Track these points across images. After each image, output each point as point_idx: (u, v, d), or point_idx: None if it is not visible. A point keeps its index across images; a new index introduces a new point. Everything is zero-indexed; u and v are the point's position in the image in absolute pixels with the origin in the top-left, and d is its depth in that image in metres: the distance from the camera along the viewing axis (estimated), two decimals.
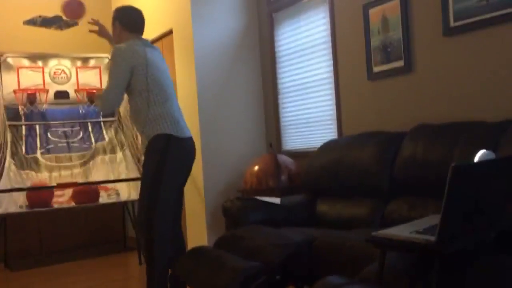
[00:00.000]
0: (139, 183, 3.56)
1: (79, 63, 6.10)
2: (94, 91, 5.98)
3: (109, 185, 5.55)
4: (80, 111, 6.37)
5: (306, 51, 4.48)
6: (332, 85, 4.20)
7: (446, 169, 1.74)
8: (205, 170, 4.62)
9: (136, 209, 4.15)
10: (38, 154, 5.99)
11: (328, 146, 3.83)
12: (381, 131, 3.59)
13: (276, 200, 3.60)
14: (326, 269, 2.58)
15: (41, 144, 6.05)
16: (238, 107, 4.86)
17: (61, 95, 6.15)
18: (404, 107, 3.62)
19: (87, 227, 5.87)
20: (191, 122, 4.74)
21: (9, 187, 5.56)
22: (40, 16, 5.77)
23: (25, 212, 5.56)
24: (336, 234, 2.89)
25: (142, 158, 3.37)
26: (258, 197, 3.66)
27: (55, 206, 5.61)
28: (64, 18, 5.68)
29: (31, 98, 6.05)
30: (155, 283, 3.18)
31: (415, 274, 2.01)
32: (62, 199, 5.69)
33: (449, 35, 3.28)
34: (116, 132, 6.02)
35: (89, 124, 6.40)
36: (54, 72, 6.25)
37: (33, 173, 5.89)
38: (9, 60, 6.02)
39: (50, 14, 5.82)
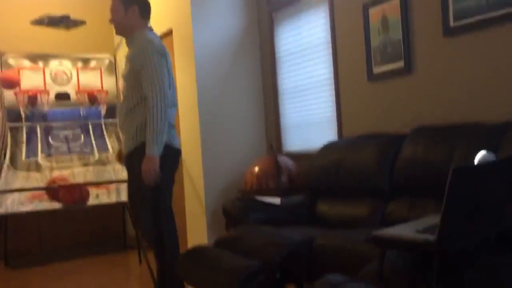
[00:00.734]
0: None
1: (80, 64, 6.09)
2: (95, 92, 5.97)
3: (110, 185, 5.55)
4: (81, 113, 6.38)
5: (306, 51, 4.49)
6: (332, 86, 4.20)
7: (446, 170, 1.75)
8: (205, 170, 4.62)
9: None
10: (39, 158, 5.99)
11: (328, 148, 3.84)
12: (381, 133, 3.59)
13: (276, 201, 3.60)
14: (326, 269, 2.58)
15: (42, 149, 6.04)
16: (238, 107, 4.87)
17: (62, 96, 6.15)
18: (404, 108, 3.62)
19: (87, 226, 5.87)
20: (191, 123, 4.75)
21: (9, 187, 5.57)
22: (47, 16, 5.77)
23: (25, 211, 5.57)
24: (336, 234, 2.89)
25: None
26: (258, 198, 3.66)
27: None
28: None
29: (32, 99, 6.05)
30: (169, 280, 3.23)
31: (415, 274, 2.01)
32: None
33: (449, 35, 3.28)
34: (117, 133, 6.02)
35: (90, 125, 6.40)
36: (55, 73, 6.26)
37: (34, 173, 5.90)
38: (10, 60, 6.02)
39: (51, 13, 5.82)
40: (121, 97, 3.25)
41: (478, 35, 3.13)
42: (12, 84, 5.79)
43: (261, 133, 5.01)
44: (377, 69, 3.78)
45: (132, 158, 3.19)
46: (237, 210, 3.48)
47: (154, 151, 3.00)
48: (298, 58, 4.57)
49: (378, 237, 2.07)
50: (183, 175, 4.95)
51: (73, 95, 6.12)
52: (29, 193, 5.73)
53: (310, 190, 3.83)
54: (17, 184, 5.66)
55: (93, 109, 6.09)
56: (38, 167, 5.96)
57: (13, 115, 5.99)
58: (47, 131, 6.15)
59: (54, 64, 6.25)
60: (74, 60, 6.27)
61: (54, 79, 6.27)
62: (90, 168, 5.98)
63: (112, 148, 5.92)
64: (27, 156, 5.93)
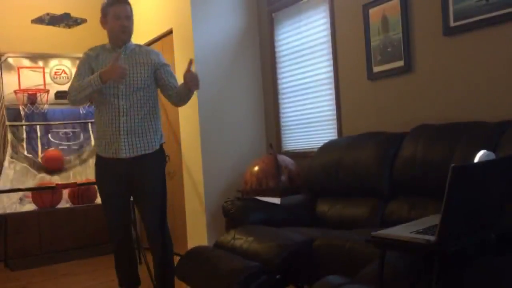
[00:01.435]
0: None
1: None
2: None
3: None
4: (81, 111, 6.38)
5: (306, 51, 4.48)
6: (332, 85, 4.20)
7: (446, 169, 1.74)
8: (205, 170, 4.62)
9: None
10: (39, 157, 6.00)
11: (328, 147, 3.83)
12: (381, 132, 3.59)
13: (276, 200, 3.60)
14: (326, 269, 2.58)
15: (41, 147, 6.05)
16: (238, 107, 4.86)
17: (62, 95, 6.15)
18: (404, 107, 3.62)
19: (87, 227, 5.86)
20: (191, 122, 4.75)
21: (9, 187, 5.58)
22: (48, 14, 5.76)
23: (26, 212, 5.57)
24: (336, 234, 2.89)
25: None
26: (258, 197, 3.66)
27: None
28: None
29: (32, 98, 6.05)
30: (172, 273, 3.35)
31: (415, 274, 2.01)
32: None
33: (449, 35, 3.28)
34: None
35: (89, 124, 6.41)
36: (55, 72, 6.27)
37: (34, 171, 5.91)
38: (10, 60, 6.03)
39: (52, 12, 5.81)
40: (118, 98, 3.18)
41: (478, 35, 3.13)
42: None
43: (261, 132, 5.01)
44: (377, 68, 3.77)
45: (150, 159, 3.30)
46: (237, 210, 3.48)
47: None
48: (298, 57, 4.57)
49: (378, 238, 2.06)
50: (183, 175, 4.94)
51: None
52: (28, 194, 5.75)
53: (310, 190, 3.83)
54: (16, 183, 5.68)
55: (93, 108, 6.11)
56: (37, 165, 5.97)
57: (13, 114, 6.00)
58: (46, 130, 6.16)
59: (53, 63, 6.26)
60: (73, 59, 6.28)
61: (54, 78, 6.28)
62: (90, 165, 5.99)
63: None
64: (28, 152, 5.94)
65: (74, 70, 6.06)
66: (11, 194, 5.62)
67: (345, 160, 3.52)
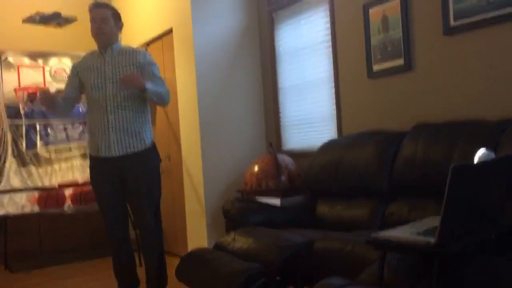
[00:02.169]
0: None
1: None
2: None
3: None
4: (81, 110, 6.37)
5: (306, 50, 4.47)
6: (332, 85, 4.19)
7: (446, 169, 1.74)
8: (205, 170, 4.61)
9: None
10: (38, 148, 5.99)
11: (328, 146, 3.83)
12: (381, 130, 3.58)
13: (276, 202, 3.59)
14: (326, 271, 2.57)
15: (41, 138, 6.04)
16: (238, 106, 4.86)
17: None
18: (404, 106, 3.61)
19: (87, 228, 5.86)
20: (191, 122, 4.74)
21: (9, 187, 5.57)
22: (38, 13, 5.75)
23: (26, 214, 5.56)
24: (336, 236, 2.88)
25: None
26: (258, 198, 3.65)
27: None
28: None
29: (32, 96, 6.04)
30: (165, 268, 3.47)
31: (415, 276, 2.00)
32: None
33: (449, 34, 3.27)
34: None
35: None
36: (55, 71, 6.25)
37: (34, 168, 5.90)
38: (10, 58, 6.01)
39: (50, 11, 5.80)
40: (106, 98, 3.28)
41: (478, 34, 3.12)
42: None
43: (261, 132, 5.00)
44: (377, 67, 3.77)
45: (142, 158, 3.33)
46: (237, 212, 3.47)
47: (148, 85, 3.21)
48: (298, 57, 4.56)
49: (378, 240, 2.06)
50: (183, 175, 4.94)
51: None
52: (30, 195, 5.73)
53: (310, 190, 3.82)
54: (16, 182, 5.66)
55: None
56: (38, 162, 5.95)
57: (13, 112, 5.99)
58: (46, 127, 6.15)
59: (53, 61, 6.24)
60: (73, 58, 6.26)
61: (54, 77, 6.27)
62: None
63: None
64: (27, 147, 5.93)
65: None
66: (13, 196, 5.61)
67: (345, 160, 3.51)
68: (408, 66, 3.54)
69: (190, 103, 4.74)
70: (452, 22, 3.22)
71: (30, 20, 5.83)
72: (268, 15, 4.84)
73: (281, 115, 4.83)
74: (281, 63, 4.78)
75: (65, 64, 6.24)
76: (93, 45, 3.45)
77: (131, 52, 3.39)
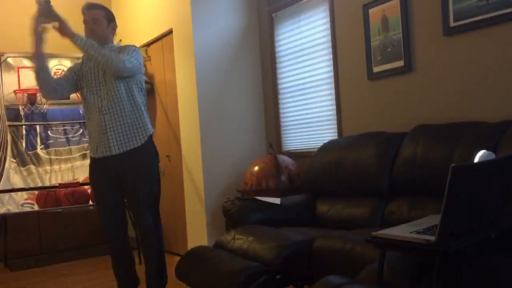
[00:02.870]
0: None
1: None
2: None
3: None
4: (81, 111, 6.37)
5: (306, 51, 4.48)
6: (332, 85, 4.20)
7: (446, 169, 1.74)
8: (205, 170, 4.62)
9: None
10: (38, 150, 6.00)
11: (328, 147, 3.83)
12: (381, 132, 3.59)
13: (276, 200, 3.60)
14: (326, 269, 2.58)
15: (41, 141, 6.06)
16: (238, 107, 4.86)
17: None
18: (404, 107, 3.62)
19: (86, 227, 5.87)
20: (191, 122, 4.75)
21: (9, 186, 5.58)
22: None
23: (25, 212, 5.57)
24: (336, 234, 2.88)
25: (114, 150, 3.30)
26: (258, 197, 3.66)
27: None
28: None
29: (32, 98, 6.05)
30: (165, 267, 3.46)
31: (415, 275, 2.00)
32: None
33: (449, 35, 3.28)
34: None
35: None
36: (55, 72, 6.25)
37: (34, 167, 5.91)
38: (10, 60, 6.02)
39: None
40: (101, 99, 3.29)
41: (478, 35, 3.13)
42: None
43: (261, 132, 5.01)
44: (377, 68, 3.77)
45: (141, 156, 3.33)
46: (237, 210, 3.47)
47: (78, 37, 3.14)
48: (298, 57, 4.57)
49: (378, 238, 2.06)
50: (183, 175, 4.94)
51: (72, 94, 6.12)
52: (30, 194, 5.75)
53: (310, 190, 3.82)
54: (16, 181, 5.67)
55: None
56: (39, 162, 5.96)
57: (13, 114, 6.00)
58: (46, 129, 6.16)
59: (53, 63, 6.25)
60: (73, 59, 6.26)
61: None
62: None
63: None
64: (27, 148, 5.94)
65: None
66: (14, 195, 5.62)
67: (345, 160, 3.52)
68: (408, 67, 3.55)
69: (190, 103, 4.74)
70: (452, 23, 3.23)
71: None
72: (268, 16, 4.85)
73: (281, 115, 4.84)
74: (281, 64, 4.79)
75: (65, 66, 6.24)
76: None
77: (119, 47, 3.39)
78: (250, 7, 4.96)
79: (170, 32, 5.06)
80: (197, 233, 4.73)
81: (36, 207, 5.64)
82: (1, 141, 5.84)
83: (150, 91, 5.54)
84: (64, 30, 3.13)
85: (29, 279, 4.68)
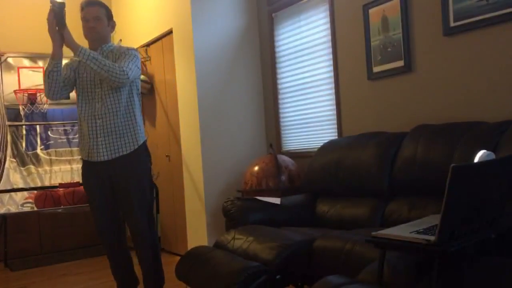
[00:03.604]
0: None
1: None
2: None
3: None
4: None
5: (306, 51, 4.48)
6: (332, 85, 4.20)
7: (446, 169, 1.74)
8: (205, 170, 4.62)
9: None
10: (38, 150, 6.01)
11: (328, 147, 3.83)
12: (381, 132, 3.59)
13: (276, 201, 3.60)
14: (326, 269, 2.58)
15: (41, 141, 6.06)
16: (238, 107, 4.86)
17: None
18: (404, 107, 3.62)
19: (87, 227, 5.87)
20: (191, 122, 4.75)
21: (9, 186, 5.58)
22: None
23: (26, 212, 5.58)
24: (336, 234, 2.88)
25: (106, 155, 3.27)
26: (258, 197, 3.66)
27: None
28: None
29: (32, 98, 6.05)
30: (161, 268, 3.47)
31: (415, 274, 2.00)
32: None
33: (449, 35, 3.28)
34: None
35: None
36: None
37: (33, 167, 5.91)
38: (10, 60, 6.02)
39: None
40: (95, 102, 3.25)
41: (478, 35, 3.13)
42: None
43: (261, 132, 5.01)
44: (377, 68, 3.78)
45: (132, 160, 3.30)
46: (237, 210, 3.47)
47: (82, 49, 3.10)
48: (298, 57, 4.57)
49: (378, 238, 2.06)
50: (183, 175, 4.94)
51: (72, 94, 6.12)
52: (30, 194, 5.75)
53: (310, 190, 3.82)
54: (16, 181, 5.67)
55: None
56: (38, 162, 5.96)
57: (13, 114, 6.00)
58: (46, 129, 6.16)
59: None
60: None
61: None
62: None
63: None
64: (27, 149, 5.94)
65: None
66: (14, 195, 5.62)
67: (345, 160, 3.52)
68: (408, 67, 3.55)
69: (190, 103, 4.74)
70: (452, 23, 3.23)
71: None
72: (268, 16, 4.85)
73: (281, 115, 4.84)
74: (281, 64, 4.79)
75: None
76: None
77: (118, 49, 3.32)
78: (250, 7, 4.96)
79: (170, 32, 5.06)
80: (197, 233, 4.73)
81: (35, 207, 5.64)
82: (1, 141, 5.85)
83: (150, 91, 5.55)
84: (68, 40, 3.08)
85: (29, 279, 4.68)
